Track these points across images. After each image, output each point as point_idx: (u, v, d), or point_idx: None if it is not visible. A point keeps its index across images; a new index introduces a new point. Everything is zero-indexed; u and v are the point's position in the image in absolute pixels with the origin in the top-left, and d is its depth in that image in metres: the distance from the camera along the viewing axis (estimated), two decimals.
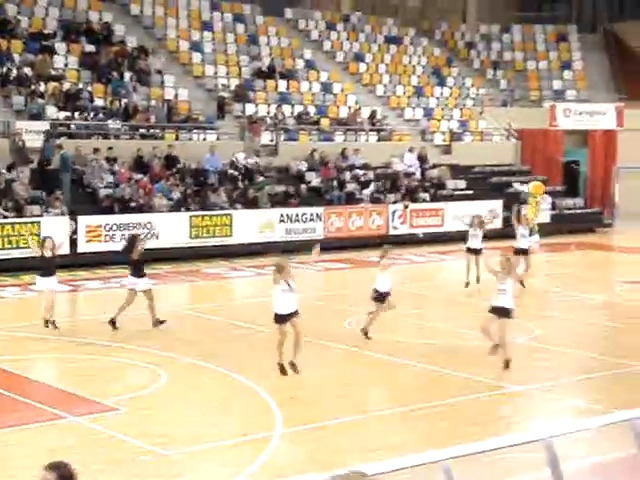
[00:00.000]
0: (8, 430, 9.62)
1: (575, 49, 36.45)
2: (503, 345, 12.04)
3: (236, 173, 24.54)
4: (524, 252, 18.30)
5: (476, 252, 18.02)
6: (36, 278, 14.42)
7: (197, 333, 14.09)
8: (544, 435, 5.34)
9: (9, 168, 21.38)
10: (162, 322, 14.15)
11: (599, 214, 30.14)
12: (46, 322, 13.99)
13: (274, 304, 11.58)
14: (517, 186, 28.11)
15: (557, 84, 35.31)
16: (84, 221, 20.71)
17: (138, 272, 14.18)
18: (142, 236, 15.88)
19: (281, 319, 11.54)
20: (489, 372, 11.96)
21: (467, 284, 18.01)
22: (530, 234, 18.23)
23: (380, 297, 13.78)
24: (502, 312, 11.97)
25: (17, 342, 13.29)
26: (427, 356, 12.75)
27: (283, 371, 11.56)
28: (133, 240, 14.64)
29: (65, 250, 19.98)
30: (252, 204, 23.76)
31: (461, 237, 24.06)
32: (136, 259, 14.24)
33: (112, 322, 14.04)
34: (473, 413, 10.51)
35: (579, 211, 29.13)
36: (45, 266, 14.19)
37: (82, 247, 20.55)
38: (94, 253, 20.62)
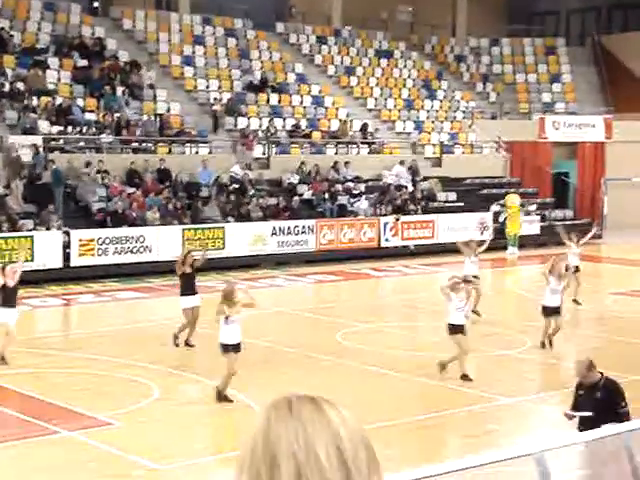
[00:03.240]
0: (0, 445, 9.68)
1: (564, 62, 36.75)
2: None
3: (236, 186, 24.67)
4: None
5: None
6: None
7: (191, 347, 14.15)
8: (535, 449, 5.44)
9: (7, 184, 21.42)
10: (191, 346, 14.00)
11: (588, 225, 30.33)
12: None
13: (220, 333, 11.13)
14: (494, 207, 27.75)
15: (546, 97, 35.59)
16: (77, 235, 20.78)
17: (189, 289, 14.14)
18: (200, 253, 15.33)
19: (225, 349, 11.11)
20: (480, 384, 12.07)
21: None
22: (513, 246, 17.91)
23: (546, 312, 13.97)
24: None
25: (9, 356, 13.32)
26: (418, 368, 12.86)
27: (227, 399, 11.06)
28: (186, 254, 14.57)
29: (58, 264, 20.13)
30: (244, 217, 23.88)
31: (452, 249, 24.26)
32: (187, 273, 14.19)
33: (186, 344, 13.96)
34: (464, 426, 10.62)
35: (568, 222, 29.28)
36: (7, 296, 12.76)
37: (75, 261, 20.61)
38: (87, 267, 20.69)
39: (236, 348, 11.11)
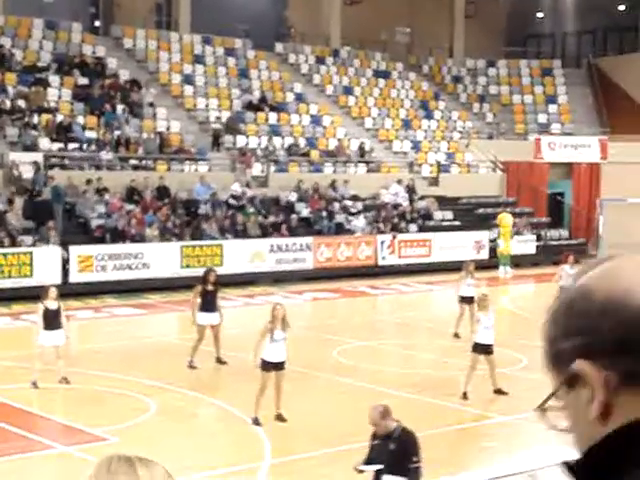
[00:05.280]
0: None
1: (560, 83, 37.08)
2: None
3: (236, 203, 24.85)
4: None
5: (470, 301, 15.90)
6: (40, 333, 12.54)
7: (187, 363, 14.25)
8: (530, 466, 5.53)
9: (9, 200, 21.56)
10: (223, 363, 13.87)
11: (583, 245, 30.53)
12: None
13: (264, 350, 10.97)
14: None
15: (542, 118, 35.88)
16: (76, 251, 20.91)
17: (207, 306, 13.86)
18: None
19: (265, 366, 10.95)
20: (475, 402, 12.18)
21: (456, 334, 16.31)
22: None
23: None
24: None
25: (6, 371, 13.44)
26: (412, 386, 12.97)
27: (257, 422, 10.90)
28: (207, 272, 14.30)
29: (57, 279, 20.25)
30: (242, 234, 24.05)
31: (448, 268, 24.39)
32: (208, 291, 13.92)
33: (190, 365, 13.72)
34: (459, 443, 10.72)
35: (564, 242, 29.50)
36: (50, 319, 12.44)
37: (74, 277, 20.74)
38: (86, 283, 20.82)
39: (277, 367, 10.91)
